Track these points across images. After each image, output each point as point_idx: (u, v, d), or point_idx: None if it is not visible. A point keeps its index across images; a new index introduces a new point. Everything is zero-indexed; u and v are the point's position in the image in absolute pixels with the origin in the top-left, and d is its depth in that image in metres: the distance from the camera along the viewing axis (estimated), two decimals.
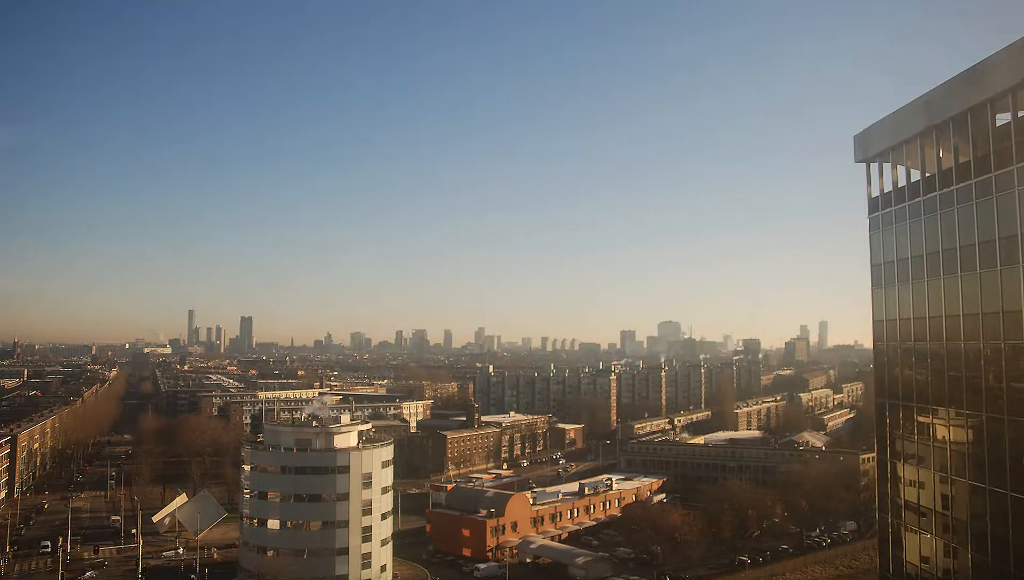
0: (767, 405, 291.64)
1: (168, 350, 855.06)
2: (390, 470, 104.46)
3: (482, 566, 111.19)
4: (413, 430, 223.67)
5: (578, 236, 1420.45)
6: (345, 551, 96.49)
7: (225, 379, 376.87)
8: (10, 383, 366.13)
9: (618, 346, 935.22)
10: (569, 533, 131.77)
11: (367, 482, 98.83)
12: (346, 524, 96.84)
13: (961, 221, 45.62)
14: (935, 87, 48.07)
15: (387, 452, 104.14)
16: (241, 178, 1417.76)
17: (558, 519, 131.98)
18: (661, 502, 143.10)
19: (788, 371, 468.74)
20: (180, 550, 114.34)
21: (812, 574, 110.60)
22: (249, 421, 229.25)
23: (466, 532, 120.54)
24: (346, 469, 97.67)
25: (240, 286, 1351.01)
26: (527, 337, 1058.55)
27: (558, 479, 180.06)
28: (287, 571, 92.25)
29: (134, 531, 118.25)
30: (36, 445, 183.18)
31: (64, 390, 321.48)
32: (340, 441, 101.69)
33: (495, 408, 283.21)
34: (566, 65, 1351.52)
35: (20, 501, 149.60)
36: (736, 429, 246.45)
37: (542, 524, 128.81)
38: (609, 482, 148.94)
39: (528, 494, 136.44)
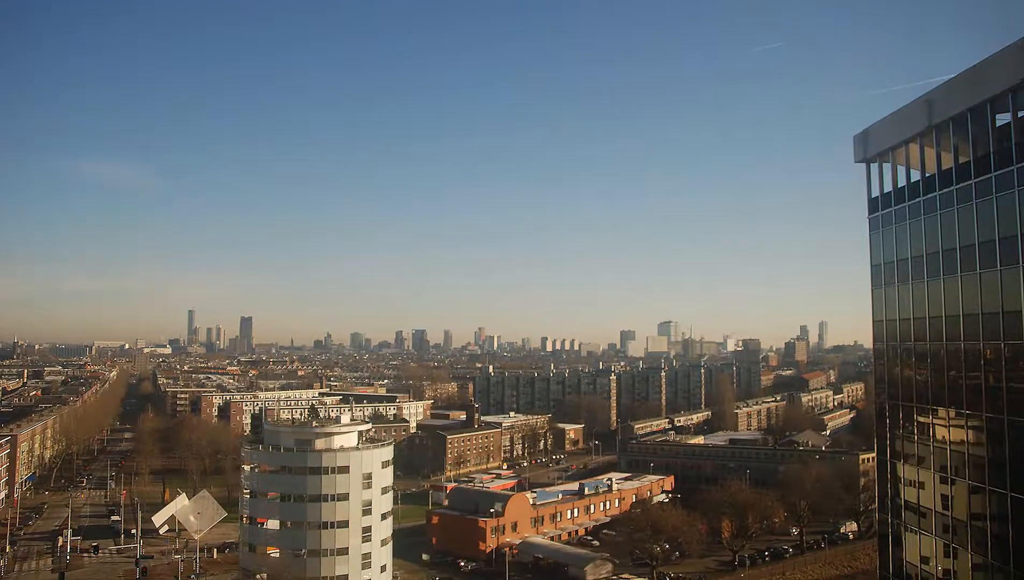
0: (767, 405, 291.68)
1: (168, 350, 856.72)
2: (390, 470, 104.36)
3: None
4: (413, 430, 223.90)
5: (578, 236, 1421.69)
6: (345, 551, 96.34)
7: (225, 379, 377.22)
8: (10, 384, 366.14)
9: (618, 346, 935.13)
10: (569, 533, 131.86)
11: (367, 482, 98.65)
12: (346, 524, 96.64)
13: (961, 221, 45.55)
14: (935, 87, 48.04)
15: (387, 452, 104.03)
16: (240, 178, 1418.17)
17: (558, 519, 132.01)
18: (661, 502, 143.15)
19: (788, 371, 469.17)
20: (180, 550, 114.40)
21: (812, 574, 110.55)
22: (249, 421, 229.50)
23: (466, 532, 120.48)
24: (346, 469, 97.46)
25: (240, 286, 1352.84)
26: (527, 337, 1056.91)
27: (558, 479, 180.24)
28: (286, 571, 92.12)
29: (134, 531, 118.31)
30: (36, 445, 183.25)
31: (64, 390, 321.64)
32: (340, 441, 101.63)
33: (495, 408, 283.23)
34: (566, 65, 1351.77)
35: (20, 500, 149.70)
36: (736, 429, 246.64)
37: (542, 524, 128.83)
38: (609, 482, 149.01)
39: (528, 494, 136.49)
